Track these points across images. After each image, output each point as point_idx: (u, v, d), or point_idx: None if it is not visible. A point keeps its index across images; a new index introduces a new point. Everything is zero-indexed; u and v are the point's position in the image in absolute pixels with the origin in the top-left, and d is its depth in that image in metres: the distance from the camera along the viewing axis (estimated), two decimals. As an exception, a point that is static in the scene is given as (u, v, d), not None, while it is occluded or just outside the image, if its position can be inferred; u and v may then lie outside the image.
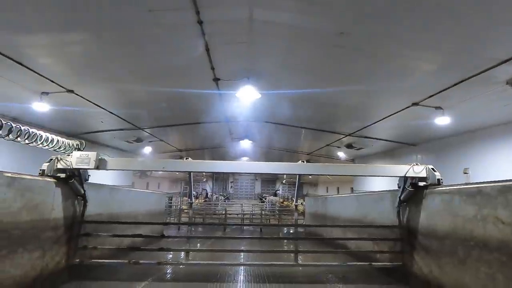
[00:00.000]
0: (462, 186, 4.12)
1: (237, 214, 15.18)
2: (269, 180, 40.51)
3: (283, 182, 38.94)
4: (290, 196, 27.75)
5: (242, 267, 5.61)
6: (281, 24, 3.80)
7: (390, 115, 7.68)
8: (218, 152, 17.65)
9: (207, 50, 4.62)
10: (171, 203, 14.60)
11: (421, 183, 4.83)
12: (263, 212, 14.93)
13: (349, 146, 12.18)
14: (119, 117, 8.86)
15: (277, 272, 5.23)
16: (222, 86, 6.35)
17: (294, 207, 6.43)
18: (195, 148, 16.34)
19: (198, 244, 7.86)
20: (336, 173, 5.59)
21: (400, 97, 6.44)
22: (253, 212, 15.62)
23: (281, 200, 25.52)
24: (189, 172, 5.81)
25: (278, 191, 37.34)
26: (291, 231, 11.32)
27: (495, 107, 6.34)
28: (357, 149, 12.58)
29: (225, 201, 25.83)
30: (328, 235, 7.69)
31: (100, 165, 4.58)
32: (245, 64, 5.31)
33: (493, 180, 3.71)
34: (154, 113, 8.97)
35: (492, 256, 3.46)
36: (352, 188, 17.08)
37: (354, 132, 10.16)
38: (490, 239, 3.51)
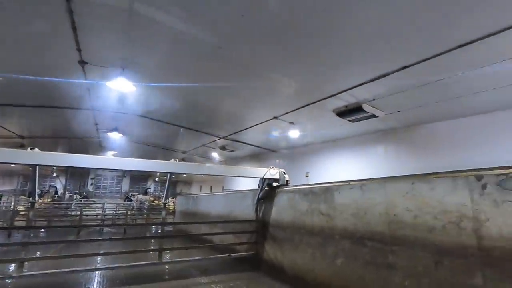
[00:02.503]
0: (301, 187, 5.22)
1: (97, 215, 13.43)
2: (140, 177, 37.60)
3: (156, 180, 37.03)
4: (162, 195, 26.69)
5: (97, 272, 5.11)
6: (162, 24, 3.80)
7: (257, 124, 8.78)
8: (77, 143, 15.04)
9: (74, 29, 4.02)
10: (-1, 203, 11.35)
11: (275, 184, 5.81)
12: (129, 212, 13.81)
13: (223, 148, 13.00)
14: None
15: (140, 272, 5.07)
16: (90, 71, 5.58)
17: (162, 206, 6.36)
18: (45, 136, 13.35)
19: (38, 252, 6.53)
20: (208, 172, 5.93)
21: (265, 110, 7.51)
22: (117, 212, 14.21)
23: (152, 198, 24.23)
24: (34, 166, 4.80)
25: (149, 189, 35.24)
26: (159, 231, 11.01)
27: (327, 128, 8.40)
28: (230, 151, 13.59)
29: (81, 201, 22.19)
30: (196, 232, 7.99)
31: None
32: (120, 54, 4.88)
33: (320, 182, 4.95)
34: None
35: (315, 240, 4.51)
36: (223, 187, 18.17)
37: (228, 136, 10.97)
38: (314, 227, 4.60)
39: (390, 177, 3.73)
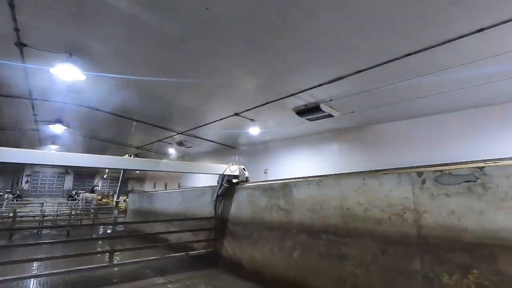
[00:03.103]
0: (260, 183, 5.31)
1: (34, 217, 12.05)
2: (86, 174, 34.70)
3: (104, 176, 34.49)
4: (112, 193, 24.97)
5: (34, 280, 4.61)
6: (118, 8, 3.51)
7: (217, 120, 8.68)
8: (9, 135, 13.28)
9: (11, 5, 3.52)
10: None
11: (235, 180, 5.82)
12: (73, 212, 12.65)
13: (180, 143, 12.61)
14: None
15: (87, 277, 4.70)
16: (30, 54, 4.94)
17: (114, 204, 5.96)
18: (-32, 126, 11.58)
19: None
20: (165, 169, 5.68)
21: (226, 106, 7.46)
22: (59, 212, 12.91)
23: (100, 197, 22.53)
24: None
25: (97, 187, 32.76)
26: (108, 231, 10.31)
27: (287, 126, 8.65)
28: (187, 147, 13.22)
29: (13, 200, 19.69)
30: (151, 231, 7.66)
31: None
32: (67, 38, 4.40)
33: (279, 178, 5.08)
34: None
35: (274, 235, 4.63)
36: (179, 184, 17.64)
37: (186, 131, 10.66)
38: (273, 222, 4.72)
39: (344, 173, 3.97)
